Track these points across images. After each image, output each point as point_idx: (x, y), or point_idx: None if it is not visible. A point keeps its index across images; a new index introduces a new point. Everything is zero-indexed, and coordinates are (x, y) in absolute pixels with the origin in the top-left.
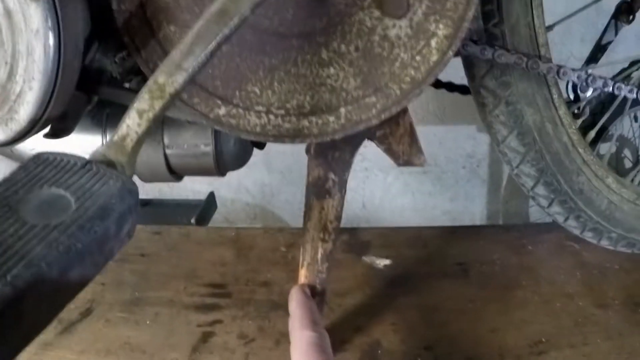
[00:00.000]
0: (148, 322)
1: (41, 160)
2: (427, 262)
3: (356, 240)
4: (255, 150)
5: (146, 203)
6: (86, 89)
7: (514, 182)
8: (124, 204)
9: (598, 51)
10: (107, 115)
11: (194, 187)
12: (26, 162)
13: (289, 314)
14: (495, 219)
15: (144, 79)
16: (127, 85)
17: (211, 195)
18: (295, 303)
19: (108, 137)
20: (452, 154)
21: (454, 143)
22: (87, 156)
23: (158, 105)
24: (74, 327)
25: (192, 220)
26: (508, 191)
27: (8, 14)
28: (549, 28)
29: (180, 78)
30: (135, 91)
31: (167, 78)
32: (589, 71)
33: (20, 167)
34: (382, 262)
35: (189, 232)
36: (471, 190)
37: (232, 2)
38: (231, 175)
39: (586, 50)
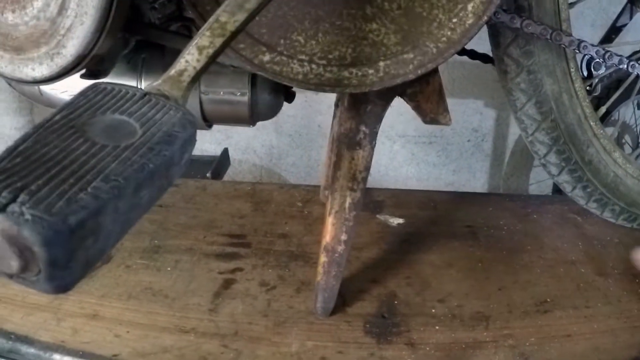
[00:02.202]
0: (169, 269)
1: (100, 89)
2: (437, 223)
3: (370, 199)
4: None
5: None
6: (130, 29)
7: (516, 158)
8: (185, 133)
9: (612, 33)
10: (143, 59)
11: (202, 147)
12: (84, 90)
13: None
14: (495, 192)
15: (184, 25)
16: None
17: (225, 152)
18: None
19: (143, 81)
20: (458, 127)
21: (461, 116)
22: None
23: (219, 42)
24: (95, 273)
25: (208, 175)
26: (510, 167)
27: None
28: (571, 5)
29: (241, 17)
30: (177, 33)
31: (229, 17)
32: (607, 48)
33: (79, 94)
34: (396, 221)
35: (205, 185)
36: (474, 164)
37: None
38: (240, 136)
39: (597, 35)
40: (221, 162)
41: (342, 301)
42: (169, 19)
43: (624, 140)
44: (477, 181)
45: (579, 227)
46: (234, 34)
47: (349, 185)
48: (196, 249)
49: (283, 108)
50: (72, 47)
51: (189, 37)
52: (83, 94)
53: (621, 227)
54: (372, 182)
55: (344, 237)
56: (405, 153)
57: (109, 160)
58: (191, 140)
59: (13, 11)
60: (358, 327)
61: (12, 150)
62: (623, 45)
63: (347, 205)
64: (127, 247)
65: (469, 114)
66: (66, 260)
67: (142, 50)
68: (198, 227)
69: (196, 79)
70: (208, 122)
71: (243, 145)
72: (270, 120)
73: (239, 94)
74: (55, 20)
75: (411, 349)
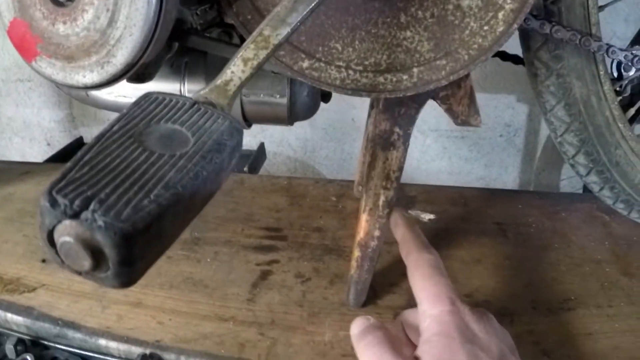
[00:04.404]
0: (209, 260)
1: (151, 98)
2: (467, 220)
3: (403, 195)
4: None
5: None
6: (173, 36)
7: (548, 153)
8: (233, 140)
9: None
10: (186, 63)
11: None
12: (138, 100)
13: (397, 240)
14: (526, 187)
15: (225, 32)
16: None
17: (261, 146)
18: (403, 228)
19: (187, 84)
20: (490, 121)
21: (494, 111)
22: None
23: (262, 54)
24: None
25: (245, 169)
26: (542, 162)
27: None
28: (601, 8)
29: (284, 31)
30: (219, 40)
31: (272, 31)
32: (635, 52)
33: (134, 104)
34: (427, 216)
35: (243, 180)
36: (506, 159)
37: None
38: (275, 129)
39: (630, 31)
40: (258, 156)
41: (374, 293)
42: (210, 24)
43: None
44: (508, 176)
45: (606, 226)
46: (277, 47)
47: (382, 184)
48: (234, 241)
49: None
50: (121, 56)
51: (229, 43)
52: (137, 104)
53: None
54: (404, 175)
55: (377, 233)
56: (437, 147)
57: (167, 169)
58: (238, 147)
59: (64, 23)
60: (388, 319)
61: (78, 161)
62: None
63: (380, 203)
64: None
65: (501, 109)
66: (133, 260)
67: (184, 54)
68: (236, 220)
69: (241, 88)
70: (248, 122)
71: (278, 138)
72: None
73: (278, 96)
74: (105, 32)
75: None
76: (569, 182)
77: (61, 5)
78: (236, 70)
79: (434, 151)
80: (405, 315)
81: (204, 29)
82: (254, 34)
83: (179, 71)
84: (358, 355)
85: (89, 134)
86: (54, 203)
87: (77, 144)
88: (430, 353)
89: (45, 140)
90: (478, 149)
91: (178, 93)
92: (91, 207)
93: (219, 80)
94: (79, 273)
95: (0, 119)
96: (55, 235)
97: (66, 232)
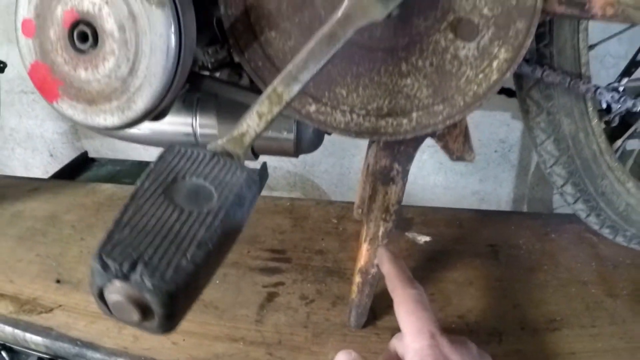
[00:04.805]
0: (217, 282)
1: (175, 152)
2: (462, 242)
3: (400, 216)
4: None
5: None
6: (188, 79)
7: (541, 169)
8: (251, 192)
9: (632, 66)
10: (198, 99)
11: None
12: (163, 154)
13: (384, 274)
14: (520, 202)
15: (235, 72)
16: (217, 74)
17: (264, 165)
18: (388, 263)
19: (198, 119)
20: (485, 137)
21: (489, 128)
22: None
23: (276, 109)
24: None
25: None
26: (535, 177)
27: (133, 17)
28: (591, 47)
29: (295, 88)
30: (231, 84)
31: (285, 88)
32: (621, 91)
33: (159, 158)
34: (423, 239)
35: None
36: (500, 174)
37: (341, 27)
38: None
39: (622, 49)
40: (261, 176)
41: (373, 315)
42: (220, 64)
43: None
44: (502, 190)
45: (594, 247)
46: (289, 103)
47: (382, 217)
48: (241, 262)
49: None
50: (141, 103)
51: (240, 87)
52: (162, 158)
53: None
54: None
55: (376, 261)
56: (433, 162)
57: (197, 227)
58: (255, 198)
59: (86, 69)
60: (386, 339)
61: (118, 222)
62: None
63: (380, 234)
64: None
65: (496, 125)
66: (175, 313)
67: (194, 89)
68: (242, 242)
69: (255, 139)
70: (255, 154)
71: None
72: None
73: (285, 132)
74: (126, 80)
75: None
76: (560, 196)
77: (82, 52)
78: (252, 123)
79: (430, 166)
80: (394, 343)
81: (214, 68)
82: (268, 89)
83: (191, 106)
84: None
85: (92, 146)
86: (104, 266)
87: (82, 158)
88: None
89: (48, 152)
90: (473, 164)
91: (190, 127)
92: (138, 269)
93: (235, 132)
94: (127, 323)
95: (4, 130)
96: (106, 293)
97: (116, 291)
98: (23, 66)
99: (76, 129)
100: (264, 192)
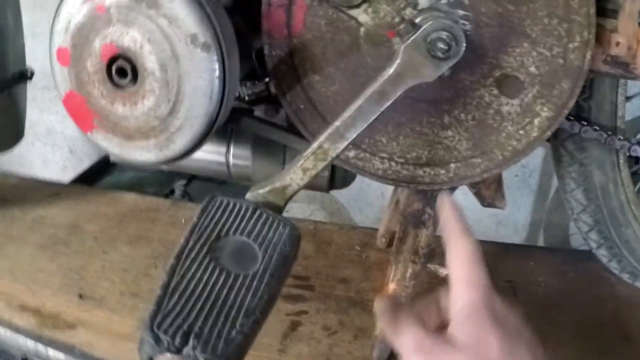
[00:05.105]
0: None
1: (217, 204)
2: None
3: None
4: None
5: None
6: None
7: (560, 194)
8: (294, 250)
9: None
10: (232, 130)
11: None
12: (206, 206)
13: (441, 220)
14: (537, 226)
15: (273, 108)
16: (254, 109)
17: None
18: (448, 210)
19: (232, 149)
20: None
21: None
22: None
23: (320, 165)
24: None
25: None
26: (554, 203)
27: (176, 58)
28: (628, 99)
29: (341, 145)
30: (267, 122)
31: (331, 144)
32: None
33: (202, 211)
34: (444, 271)
35: None
36: (519, 198)
37: (391, 85)
38: None
39: None
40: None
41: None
42: (258, 96)
43: None
44: (520, 214)
45: (611, 287)
46: (334, 159)
47: (411, 259)
48: None
49: None
50: (180, 143)
51: (276, 125)
52: (204, 211)
53: None
54: None
55: (402, 301)
56: None
57: (244, 293)
58: (297, 254)
59: (123, 104)
60: None
61: (166, 288)
62: None
63: (408, 275)
64: None
65: None
66: None
67: (230, 121)
68: None
69: (297, 192)
70: None
71: None
72: None
73: None
74: (166, 120)
75: None
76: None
77: (120, 87)
78: (295, 177)
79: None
80: (438, 295)
81: (251, 101)
82: (315, 145)
83: (225, 136)
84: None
85: None
86: (156, 339)
87: (103, 162)
88: (464, 332)
89: (67, 148)
90: None
91: (224, 156)
92: (190, 343)
93: (278, 184)
94: None
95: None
96: None
97: None
98: (58, 93)
99: None
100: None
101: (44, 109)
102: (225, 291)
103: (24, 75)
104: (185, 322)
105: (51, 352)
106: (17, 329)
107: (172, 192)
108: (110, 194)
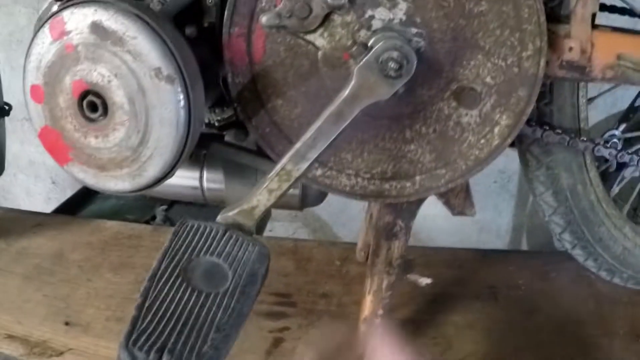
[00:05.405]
0: None
1: (187, 227)
2: (462, 284)
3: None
4: None
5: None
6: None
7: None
8: (263, 266)
9: (630, 112)
10: (204, 155)
11: None
12: (177, 230)
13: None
14: (519, 230)
15: (241, 132)
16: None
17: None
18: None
19: (205, 173)
20: (485, 168)
21: None
22: None
23: (285, 186)
24: None
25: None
26: (534, 206)
27: (142, 91)
28: (590, 100)
29: (303, 166)
30: (236, 147)
31: (293, 166)
32: (619, 146)
33: (173, 234)
34: (424, 281)
35: None
36: (500, 203)
37: (347, 106)
38: None
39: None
40: (264, 217)
41: None
42: (227, 122)
43: None
44: (502, 219)
45: (591, 286)
46: (297, 179)
47: (386, 270)
48: None
49: None
50: (152, 171)
51: (245, 150)
52: (176, 234)
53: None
54: None
55: (380, 312)
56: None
57: (215, 310)
58: (267, 271)
59: (96, 137)
60: None
61: (141, 308)
62: None
63: (384, 286)
64: None
65: None
66: None
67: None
68: None
69: (266, 212)
70: None
71: None
72: None
73: (292, 189)
74: (137, 150)
75: None
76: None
77: (92, 121)
78: (262, 199)
79: (431, 197)
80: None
81: (221, 127)
82: (278, 167)
83: (198, 162)
84: None
85: None
86: (132, 356)
87: (85, 191)
88: None
89: (50, 179)
90: (473, 194)
91: (197, 181)
92: (164, 358)
93: (246, 205)
94: None
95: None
96: None
97: None
98: (33, 128)
99: None
100: (267, 229)
101: (24, 141)
102: (196, 309)
103: (2, 110)
104: (159, 339)
105: None
106: (5, 358)
107: (154, 217)
108: (92, 223)
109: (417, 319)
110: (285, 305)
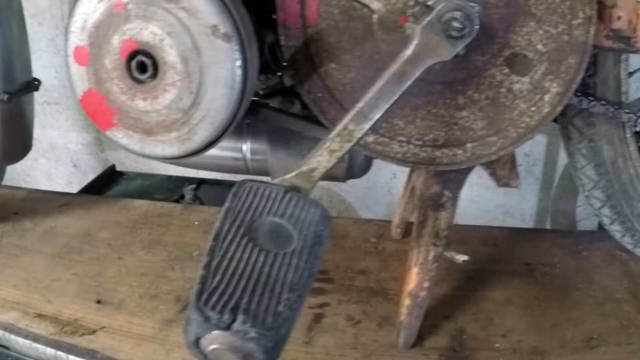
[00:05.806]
0: None
1: (247, 189)
2: (498, 260)
3: None
4: None
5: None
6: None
7: (565, 182)
8: (327, 229)
9: None
10: (248, 124)
11: None
12: (236, 191)
13: None
14: (543, 214)
15: (288, 100)
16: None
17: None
18: None
19: (250, 144)
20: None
21: None
22: None
23: (347, 147)
24: None
25: None
26: (559, 190)
27: (197, 50)
28: (630, 74)
29: (366, 126)
30: (286, 112)
31: (356, 125)
32: None
33: (232, 195)
34: (461, 258)
35: None
36: (525, 187)
37: (410, 66)
38: None
39: None
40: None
41: (419, 335)
42: (273, 90)
43: None
44: (526, 203)
45: (624, 264)
46: (359, 140)
47: (432, 242)
48: None
49: None
50: (203, 135)
51: (295, 115)
52: (235, 195)
53: None
54: None
55: (426, 284)
56: None
57: (286, 270)
58: (330, 234)
59: (144, 99)
60: (433, 359)
61: (208, 267)
62: None
63: (430, 258)
64: None
65: None
66: (275, 356)
67: (246, 116)
68: None
69: (325, 175)
70: None
71: None
72: None
73: None
74: (188, 112)
75: None
76: (583, 208)
77: (141, 82)
78: (322, 160)
79: None
80: None
81: (266, 95)
82: (339, 127)
83: (242, 131)
84: None
85: (116, 158)
86: (204, 317)
87: (110, 172)
88: None
89: (71, 162)
90: None
91: (240, 152)
92: (239, 319)
93: (305, 167)
94: None
95: None
96: (204, 342)
97: (218, 341)
98: (74, 93)
99: (101, 140)
100: None
101: (45, 124)
102: (266, 269)
103: (31, 85)
104: (232, 298)
105: (72, 358)
106: (35, 338)
107: (182, 197)
108: (121, 202)
109: (456, 294)
110: (324, 281)
